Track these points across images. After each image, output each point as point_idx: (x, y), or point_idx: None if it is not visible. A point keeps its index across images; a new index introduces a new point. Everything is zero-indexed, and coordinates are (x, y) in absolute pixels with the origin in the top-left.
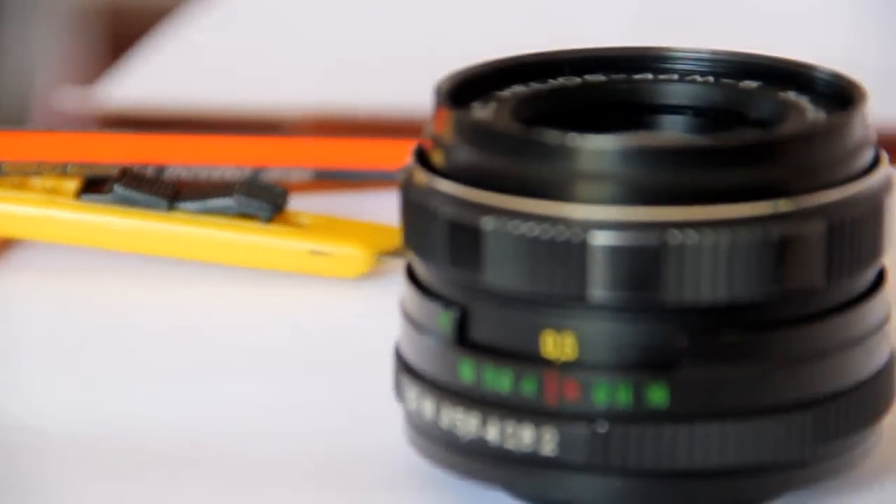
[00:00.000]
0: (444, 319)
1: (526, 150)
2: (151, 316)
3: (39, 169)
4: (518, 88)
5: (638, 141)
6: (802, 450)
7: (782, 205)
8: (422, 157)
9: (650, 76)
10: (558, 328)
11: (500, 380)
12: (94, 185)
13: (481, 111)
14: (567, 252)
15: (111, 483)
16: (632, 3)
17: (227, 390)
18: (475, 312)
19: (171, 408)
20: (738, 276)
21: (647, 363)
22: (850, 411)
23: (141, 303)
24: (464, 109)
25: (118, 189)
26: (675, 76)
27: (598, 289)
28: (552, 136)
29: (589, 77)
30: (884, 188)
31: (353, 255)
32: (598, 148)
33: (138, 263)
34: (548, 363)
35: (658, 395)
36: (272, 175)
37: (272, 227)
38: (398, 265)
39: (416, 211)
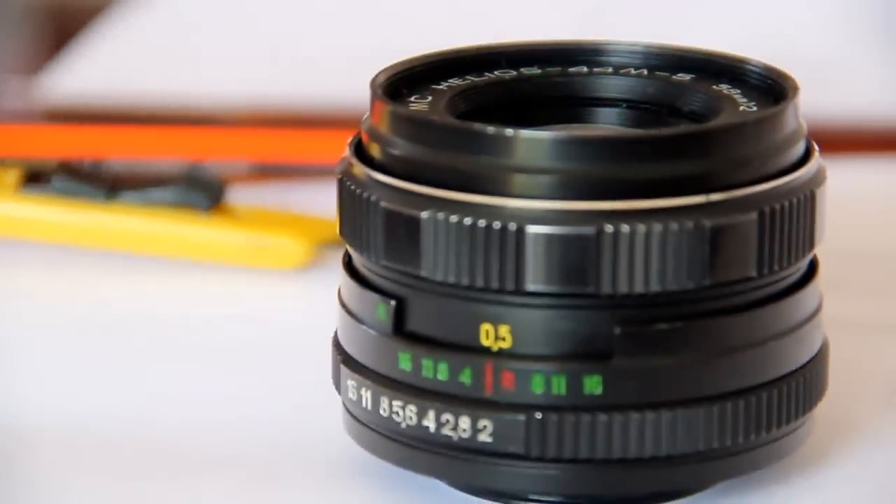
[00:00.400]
0: (381, 310)
1: (461, 142)
2: (91, 308)
3: None
4: (454, 82)
5: (572, 134)
6: (736, 438)
7: (715, 196)
8: (359, 150)
9: (585, 69)
10: (494, 318)
11: (437, 370)
12: (35, 178)
13: (417, 104)
14: (502, 243)
15: (51, 473)
16: None
17: (165, 382)
18: (412, 303)
19: (111, 399)
20: (671, 267)
21: (582, 353)
22: (784, 400)
23: (80, 296)
24: (400, 103)
25: (57, 181)
26: (610, 69)
27: (533, 280)
28: (487, 129)
29: (524, 70)
30: (815, 180)
31: (292, 246)
32: (532, 140)
33: (77, 256)
34: (484, 353)
35: (593, 385)
36: (211, 167)
37: (211, 219)
38: (336, 257)
39: (353, 203)
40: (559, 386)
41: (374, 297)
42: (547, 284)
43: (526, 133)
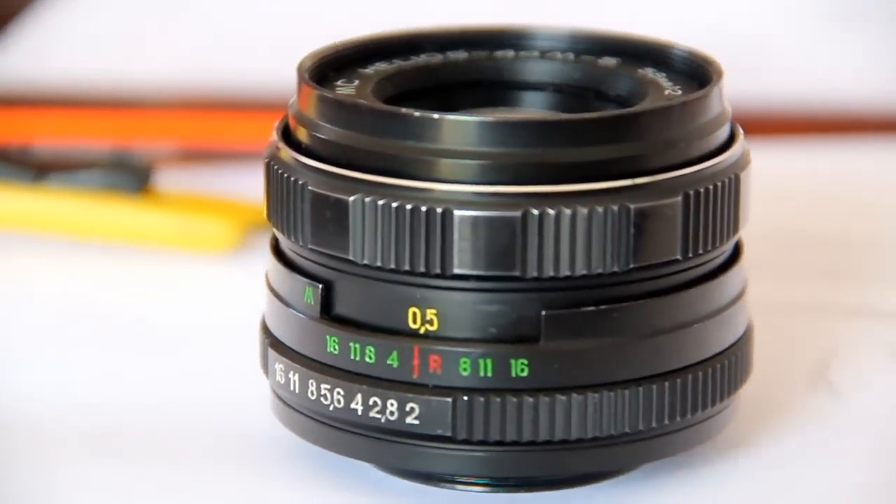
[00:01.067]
0: (309, 294)
1: (388, 127)
2: (16, 291)
3: None
4: (381, 66)
5: (498, 118)
6: (662, 420)
7: (640, 180)
8: (286, 134)
9: (511, 54)
10: (421, 302)
11: (365, 353)
12: None
13: (344, 88)
14: (429, 227)
15: None
16: None
17: (91, 364)
18: (340, 287)
19: (37, 383)
20: (597, 250)
21: (508, 336)
22: (709, 383)
23: (5, 279)
24: (327, 87)
25: None
26: (536, 54)
27: (460, 263)
28: (414, 113)
29: (451, 54)
30: (740, 163)
31: (220, 230)
32: (458, 124)
33: (4, 240)
34: (412, 336)
35: (519, 367)
36: (139, 150)
37: (138, 203)
38: (265, 241)
39: (280, 187)
40: (486, 369)
41: (302, 280)
42: (473, 268)
43: (452, 117)
